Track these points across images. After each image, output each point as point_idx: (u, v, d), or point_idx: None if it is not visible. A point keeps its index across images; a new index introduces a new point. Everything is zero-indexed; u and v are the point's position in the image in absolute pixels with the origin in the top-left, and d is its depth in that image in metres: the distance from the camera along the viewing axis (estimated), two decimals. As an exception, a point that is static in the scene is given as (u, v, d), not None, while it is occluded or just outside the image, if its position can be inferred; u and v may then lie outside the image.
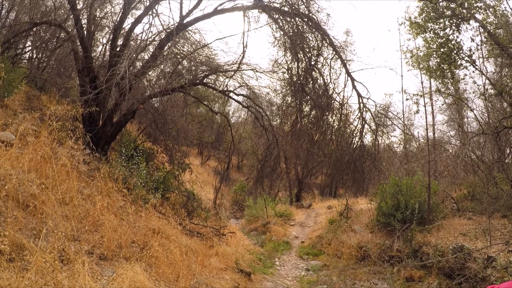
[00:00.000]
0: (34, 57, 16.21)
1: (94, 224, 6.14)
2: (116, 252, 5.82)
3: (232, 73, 12.49)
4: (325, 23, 12.45)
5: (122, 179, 8.67)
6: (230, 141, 15.51)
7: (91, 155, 8.65)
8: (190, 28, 12.02)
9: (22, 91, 10.54)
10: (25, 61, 15.92)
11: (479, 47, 9.64)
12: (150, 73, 11.56)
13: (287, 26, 12.35)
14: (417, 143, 20.06)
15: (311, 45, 13.18)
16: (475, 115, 14.11)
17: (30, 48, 15.82)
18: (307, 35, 12.98)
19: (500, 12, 8.77)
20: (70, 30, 11.32)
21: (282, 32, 12.66)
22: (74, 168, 7.06)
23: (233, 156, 19.05)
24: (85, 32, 10.71)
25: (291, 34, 12.32)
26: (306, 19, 12.14)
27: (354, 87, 13.57)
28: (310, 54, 13.11)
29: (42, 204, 5.24)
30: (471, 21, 9.07)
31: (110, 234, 5.93)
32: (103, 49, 16.03)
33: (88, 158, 8.58)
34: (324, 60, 13.69)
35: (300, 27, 12.48)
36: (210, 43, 12.77)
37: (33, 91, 12.81)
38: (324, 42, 12.94)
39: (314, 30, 12.60)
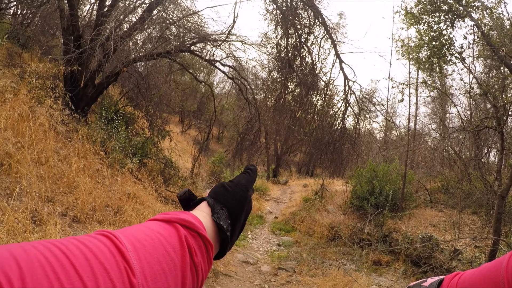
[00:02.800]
0: (19, 13, 15.62)
1: (69, 186, 6.05)
2: (90, 215, 5.76)
3: (220, 42, 12.30)
4: (319, 1, 12.33)
5: (100, 142, 8.55)
6: (212, 111, 15.36)
7: (70, 116, 8.46)
8: (182, -7, 11.77)
9: (3, 47, 10.19)
10: (9, 16, 15.30)
11: (470, 46, 9.69)
12: (136, 36, 11.28)
13: (281, 0, 12.19)
14: (397, 131, 20.27)
15: (303, 22, 13.06)
16: (458, 111, 14.30)
17: (14, 3, 15.23)
18: (300, 11, 12.84)
19: (497, 14, 8.78)
20: (57, -15, 10.90)
21: (275, 6, 12.49)
22: (52, 128, 6.91)
23: (214, 127, 18.92)
24: (72, -12, 10.35)
25: (284, 8, 12.16)
26: (301, -5, 11.99)
27: (341, 68, 13.57)
28: (301, 31, 12.99)
29: (17, 163, 5.13)
30: (467, 19, 9.06)
31: (84, 197, 5.86)
32: (90, 8, 15.56)
33: (67, 119, 8.40)
34: (315, 39, 13.62)
35: (294, 2, 12.32)
36: (201, 10, 12.59)
37: (15, 47, 12.36)
38: (316, 20, 12.83)
39: (307, 7, 12.45)
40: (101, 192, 6.54)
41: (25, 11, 15.31)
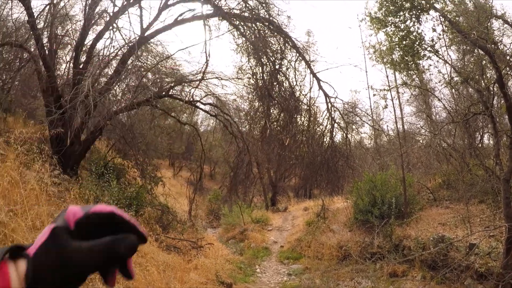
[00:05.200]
0: (-2, 78, 15.69)
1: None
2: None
3: (197, 82, 12.36)
4: (286, 25, 12.47)
5: (93, 199, 8.36)
6: (201, 150, 15.31)
7: (60, 176, 8.32)
8: (152, 40, 11.87)
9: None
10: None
11: (441, 36, 9.73)
12: (115, 88, 11.29)
13: (248, 31, 12.29)
14: (387, 136, 20.24)
15: (274, 49, 13.14)
16: (443, 104, 14.34)
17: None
18: (269, 39, 12.95)
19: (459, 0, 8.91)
20: (32, 50, 10.98)
21: (244, 38, 12.59)
22: (43, 191, 6.73)
23: (205, 165, 18.82)
24: (47, 51, 10.38)
25: (253, 39, 12.25)
26: (267, 23, 12.12)
27: (320, 87, 13.58)
28: (273, 58, 13.06)
29: (12, 232, 4.93)
30: (431, 11, 9.10)
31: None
32: (66, 67, 15.64)
33: (57, 180, 8.24)
34: (288, 63, 13.69)
35: (261, 31, 12.44)
36: (173, 54, 12.68)
37: (-2, 113, 12.36)
38: (286, 44, 12.94)
39: (275, 33, 12.59)
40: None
41: (4, 77, 15.32)
